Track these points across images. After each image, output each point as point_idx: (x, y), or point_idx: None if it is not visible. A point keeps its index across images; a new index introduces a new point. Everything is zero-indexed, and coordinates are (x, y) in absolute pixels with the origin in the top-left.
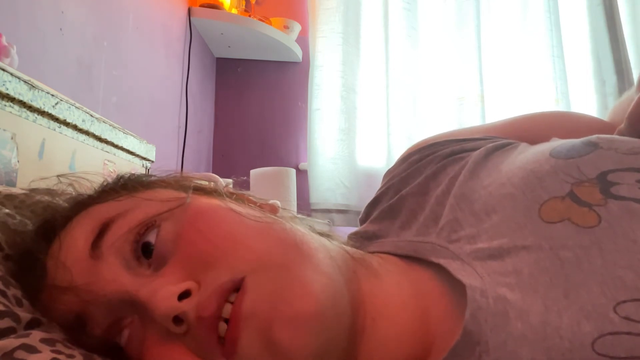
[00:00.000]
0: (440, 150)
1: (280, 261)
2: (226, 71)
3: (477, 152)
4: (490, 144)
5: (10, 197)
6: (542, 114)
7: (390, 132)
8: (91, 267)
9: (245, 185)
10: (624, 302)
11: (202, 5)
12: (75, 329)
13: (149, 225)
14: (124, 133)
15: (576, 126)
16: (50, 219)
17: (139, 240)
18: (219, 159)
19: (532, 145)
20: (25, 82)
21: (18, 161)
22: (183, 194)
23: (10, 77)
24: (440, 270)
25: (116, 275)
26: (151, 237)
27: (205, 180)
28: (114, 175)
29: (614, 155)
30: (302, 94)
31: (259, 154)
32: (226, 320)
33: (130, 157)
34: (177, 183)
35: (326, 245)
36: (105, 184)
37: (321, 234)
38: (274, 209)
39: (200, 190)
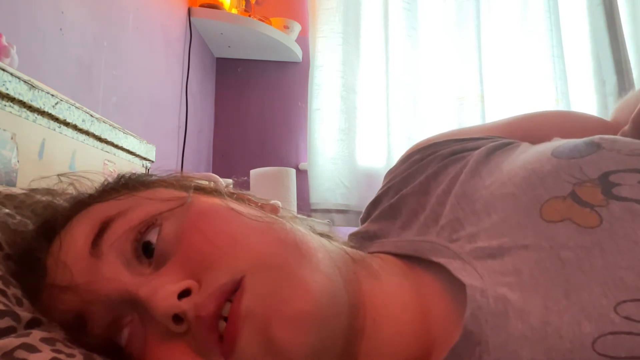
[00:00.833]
0: (442, 150)
1: (279, 261)
2: (226, 71)
3: (479, 151)
4: (492, 144)
5: (10, 197)
6: (543, 114)
7: (390, 132)
8: (91, 266)
9: (245, 185)
10: (625, 302)
11: (202, 5)
12: (75, 328)
13: (150, 224)
14: (124, 133)
15: (577, 126)
16: (51, 219)
17: (140, 239)
18: (219, 159)
19: (534, 145)
20: (25, 82)
21: (18, 161)
22: (184, 194)
23: (10, 77)
24: (441, 270)
25: (116, 274)
26: (151, 236)
27: (206, 180)
28: (115, 175)
29: (616, 156)
30: (302, 94)
31: (259, 154)
32: (226, 319)
33: (130, 157)
34: (177, 183)
35: (326, 245)
36: (105, 183)
37: (321, 235)
38: (274, 209)
39: (200, 190)
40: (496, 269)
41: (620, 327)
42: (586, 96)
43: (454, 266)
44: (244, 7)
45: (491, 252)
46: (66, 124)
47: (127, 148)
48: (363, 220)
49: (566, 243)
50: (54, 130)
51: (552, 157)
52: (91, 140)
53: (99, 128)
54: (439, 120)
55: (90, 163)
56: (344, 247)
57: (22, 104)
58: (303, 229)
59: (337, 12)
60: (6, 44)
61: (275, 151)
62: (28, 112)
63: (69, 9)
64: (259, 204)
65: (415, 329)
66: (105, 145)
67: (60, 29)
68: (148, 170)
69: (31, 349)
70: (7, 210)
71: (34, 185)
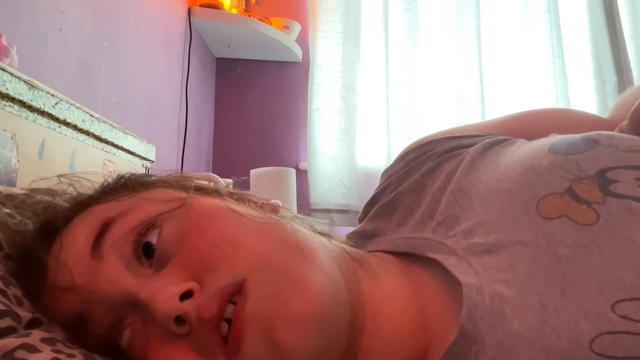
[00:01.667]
0: (437, 148)
1: (281, 262)
2: (226, 71)
3: (475, 147)
4: (488, 140)
5: (10, 197)
6: (540, 111)
7: (390, 132)
8: (92, 267)
9: (245, 185)
10: (622, 301)
11: (202, 5)
12: (75, 329)
13: (150, 225)
14: (124, 133)
15: (574, 123)
16: (51, 219)
17: (140, 240)
18: (219, 159)
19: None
20: (25, 82)
21: (18, 161)
22: (184, 194)
23: (10, 77)
24: (437, 266)
25: (117, 275)
26: (152, 237)
27: (206, 180)
28: (114, 175)
29: (614, 152)
30: (302, 94)
31: (259, 154)
32: (227, 320)
33: (130, 157)
34: (177, 183)
35: (327, 245)
36: (105, 184)
37: (321, 234)
38: (274, 209)
39: (201, 190)
40: (492, 265)
41: (617, 327)
42: (586, 96)
43: (450, 262)
44: (244, 7)
45: (487, 247)
46: (66, 123)
47: (127, 148)
48: (360, 220)
49: (563, 240)
50: (54, 130)
51: (550, 153)
52: (91, 140)
53: (99, 128)
54: (439, 120)
55: (90, 163)
56: (344, 246)
57: (22, 104)
58: (304, 229)
59: (337, 12)
60: (6, 44)
61: (275, 151)
62: (28, 112)
63: (69, 9)
64: (259, 204)
65: (414, 328)
66: (105, 145)
67: (60, 29)
68: (148, 170)
69: (31, 349)
70: (7, 210)
71: (34, 186)
